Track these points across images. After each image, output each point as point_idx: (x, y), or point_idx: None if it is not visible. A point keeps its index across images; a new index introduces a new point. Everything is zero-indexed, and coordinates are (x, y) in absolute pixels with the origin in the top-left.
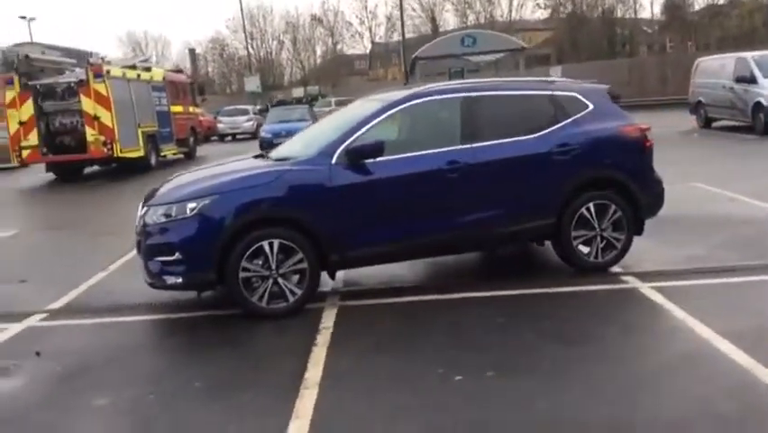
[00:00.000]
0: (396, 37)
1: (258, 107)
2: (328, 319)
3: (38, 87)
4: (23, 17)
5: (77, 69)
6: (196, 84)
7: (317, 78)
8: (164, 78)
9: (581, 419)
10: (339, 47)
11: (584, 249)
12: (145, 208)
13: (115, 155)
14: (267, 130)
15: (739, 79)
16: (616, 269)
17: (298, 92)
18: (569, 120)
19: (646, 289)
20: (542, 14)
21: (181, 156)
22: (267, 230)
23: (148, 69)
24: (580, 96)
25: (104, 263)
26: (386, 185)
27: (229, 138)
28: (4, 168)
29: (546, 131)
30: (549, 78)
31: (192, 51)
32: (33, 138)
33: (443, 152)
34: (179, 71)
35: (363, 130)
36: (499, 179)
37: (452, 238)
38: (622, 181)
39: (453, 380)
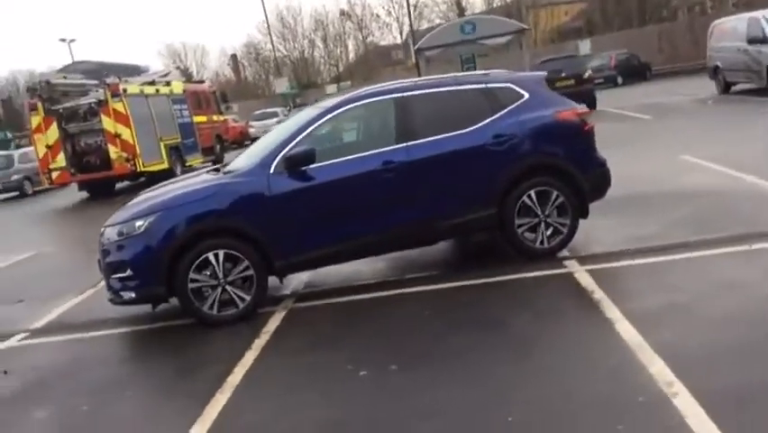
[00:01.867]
0: (425, 24)
1: (288, 109)
2: (273, 323)
3: (60, 110)
4: (63, 39)
5: (99, 90)
6: (219, 92)
7: (351, 72)
8: (184, 91)
9: (455, 406)
10: (369, 40)
11: (530, 236)
12: (102, 229)
13: (139, 170)
14: None
15: (752, 40)
16: (564, 253)
17: (332, 89)
18: (503, 111)
19: (581, 272)
20: None
21: (209, 164)
22: (211, 241)
23: (167, 84)
24: (514, 87)
25: (95, 280)
26: (324, 190)
27: None
28: (39, 190)
29: (480, 124)
30: (484, 72)
31: (234, 57)
32: (61, 160)
33: (378, 153)
34: (201, 81)
35: (299, 138)
36: (435, 174)
37: (394, 236)
38: (560, 167)
39: (358, 375)
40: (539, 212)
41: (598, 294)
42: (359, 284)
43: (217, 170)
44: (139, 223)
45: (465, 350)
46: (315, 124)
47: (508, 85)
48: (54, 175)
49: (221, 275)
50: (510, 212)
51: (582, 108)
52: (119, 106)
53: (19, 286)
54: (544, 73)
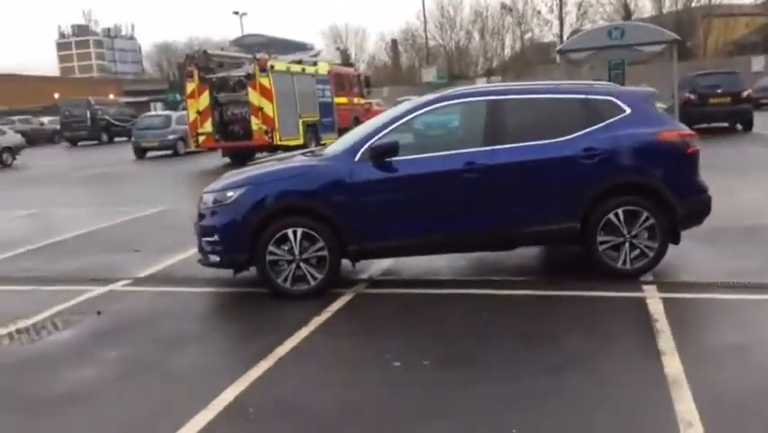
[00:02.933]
0: (587, 25)
1: None
2: (338, 304)
3: (213, 79)
4: (236, 12)
5: (250, 65)
6: (363, 77)
7: (506, 67)
8: (329, 72)
9: (468, 411)
10: (528, 36)
11: (613, 254)
12: (201, 194)
13: (275, 143)
14: None
15: None
16: (647, 277)
17: (482, 82)
18: (600, 124)
19: (655, 299)
20: None
21: None
22: (292, 219)
23: (314, 64)
24: (616, 101)
25: None
26: (404, 183)
27: None
28: (190, 151)
29: (574, 135)
30: (590, 82)
31: (394, 43)
32: (208, 126)
33: (462, 153)
34: (349, 65)
35: (388, 130)
36: (517, 180)
37: (470, 237)
38: (654, 188)
39: (391, 365)
40: (625, 231)
41: (662, 323)
42: (432, 278)
43: (313, 152)
44: (230, 193)
45: (502, 358)
46: (406, 119)
47: (610, 98)
48: (200, 139)
49: (297, 252)
50: (594, 228)
51: (686, 130)
52: (265, 81)
53: (140, 237)
54: (652, 90)
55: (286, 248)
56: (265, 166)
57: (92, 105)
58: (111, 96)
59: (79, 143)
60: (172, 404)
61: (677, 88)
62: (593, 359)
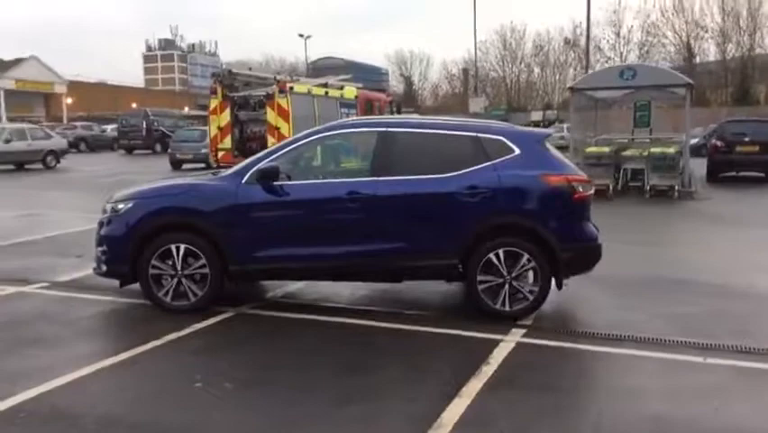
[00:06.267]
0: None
1: None
2: (208, 322)
3: (235, 98)
4: (301, 35)
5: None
6: (395, 103)
7: (565, 101)
8: (356, 97)
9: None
10: (590, 71)
11: (491, 295)
12: (104, 204)
13: None
14: None
15: None
16: (527, 321)
17: (537, 116)
18: (486, 163)
19: (510, 342)
20: None
21: None
22: (174, 234)
23: (340, 88)
24: (506, 141)
25: None
26: (288, 207)
27: None
28: (223, 166)
29: (458, 172)
30: (488, 121)
31: (465, 72)
32: (227, 142)
33: (347, 183)
34: (382, 91)
35: (276, 155)
36: (399, 213)
37: (350, 265)
38: (534, 231)
39: (192, 385)
40: (504, 272)
41: (491, 367)
42: (322, 305)
43: (217, 172)
44: (120, 206)
45: (299, 385)
46: (295, 145)
47: (500, 138)
48: (220, 154)
49: (179, 267)
50: (473, 266)
51: (578, 176)
52: (283, 102)
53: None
54: (548, 131)
55: (170, 263)
56: (158, 182)
57: (149, 117)
58: (186, 109)
59: (134, 152)
60: None
61: (689, 134)
62: (384, 394)
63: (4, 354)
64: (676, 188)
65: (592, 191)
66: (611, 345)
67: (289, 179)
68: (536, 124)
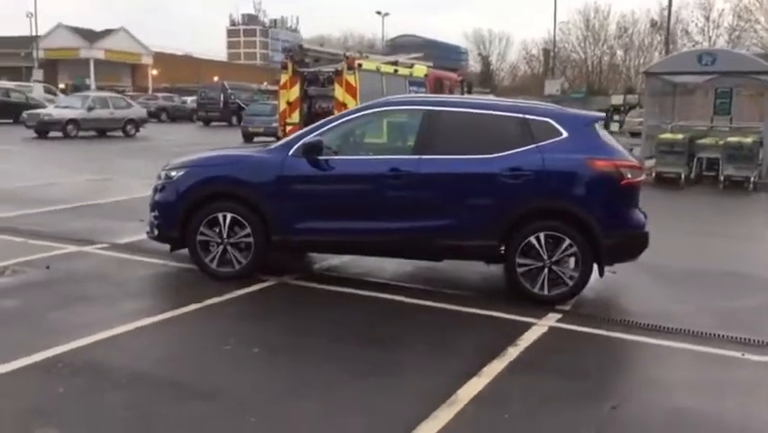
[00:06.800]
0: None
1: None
2: (249, 289)
3: (305, 73)
4: (378, 12)
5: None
6: (466, 83)
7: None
8: (426, 75)
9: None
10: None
11: (530, 278)
12: (159, 171)
13: None
14: None
15: None
16: (565, 305)
17: (617, 99)
18: (531, 145)
19: (542, 327)
20: None
21: None
22: (222, 203)
23: (410, 66)
24: (553, 123)
25: None
26: (331, 181)
27: None
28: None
29: (503, 153)
30: (536, 102)
31: (546, 52)
32: (296, 116)
33: (389, 159)
34: (454, 70)
35: (322, 129)
36: (440, 192)
37: (389, 241)
38: (577, 215)
39: (223, 348)
40: (545, 256)
41: (517, 349)
42: (364, 279)
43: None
44: (173, 173)
45: (325, 355)
46: (342, 120)
47: (547, 120)
48: (288, 128)
49: (225, 235)
50: (513, 249)
51: (628, 161)
52: (351, 79)
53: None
54: (599, 114)
55: (216, 230)
56: (213, 152)
57: (226, 90)
58: (264, 84)
59: (211, 124)
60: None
61: None
62: (406, 369)
63: (55, 308)
64: (752, 179)
65: (642, 178)
66: (646, 335)
67: (335, 154)
68: (616, 108)
